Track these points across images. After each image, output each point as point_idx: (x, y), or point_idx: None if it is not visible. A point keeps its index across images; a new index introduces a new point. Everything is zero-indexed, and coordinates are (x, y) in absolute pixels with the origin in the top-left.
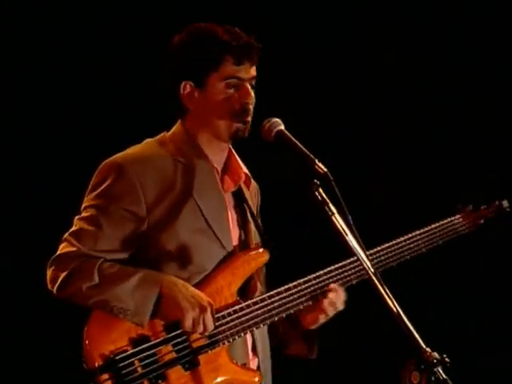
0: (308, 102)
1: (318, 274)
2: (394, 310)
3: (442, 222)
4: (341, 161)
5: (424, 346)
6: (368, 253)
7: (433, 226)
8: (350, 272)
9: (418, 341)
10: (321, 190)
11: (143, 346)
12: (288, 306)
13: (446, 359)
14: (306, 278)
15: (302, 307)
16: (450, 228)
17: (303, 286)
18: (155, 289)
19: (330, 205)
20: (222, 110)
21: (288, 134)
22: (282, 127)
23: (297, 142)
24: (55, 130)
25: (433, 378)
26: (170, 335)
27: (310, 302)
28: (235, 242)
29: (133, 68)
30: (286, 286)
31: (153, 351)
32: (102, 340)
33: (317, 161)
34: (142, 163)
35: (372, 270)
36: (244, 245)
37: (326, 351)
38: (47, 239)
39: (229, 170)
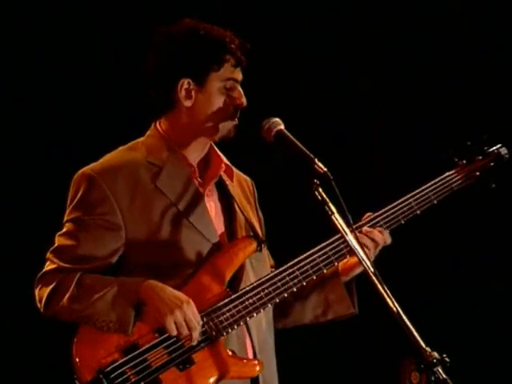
0: (308, 101)
1: (309, 253)
2: (394, 309)
3: (435, 180)
4: (340, 160)
5: (424, 346)
6: (360, 223)
7: (426, 185)
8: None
9: (417, 340)
10: (320, 190)
11: (133, 354)
12: (281, 289)
13: (446, 359)
14: (296, 260)
15: (295, 289)
16: (444, 185)
17: (295, 268)
18: (133, 297)
19: (330, 204)
20: (217, 109)
21: (288, 133)
22: (282, 127)
23: (296, 141)
24: (55, 129)
25: (433, 378)
26: (159, 339)
27: (304, 283)
28: (221, 234)
29: (130, 69)
30: (277, 271)
31: (144, 357)
32: (91, 354)
33: (316, 160)
34: (112, 171)
35: (372, 269)
36: (231, 235)
37: (325, 352)
38: (47, 239)
39: (209, 163)
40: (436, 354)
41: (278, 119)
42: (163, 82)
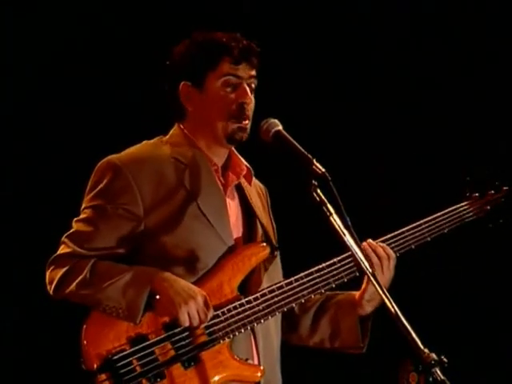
0: (306, 102)
1: (320, 266)
2: (392, 310)
3: (447, 210)
4: (339, 161)
5: (422, 347)
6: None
7: (438, 213)
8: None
9: (416, 341)
10: (319, 191)
11: (141, 345)
12: (289, 299)
13: (444, 360)
14: (308, 271)
15: (303, 300)
16: (455, 215)
17: (305, 279)
18: (146, 286)
19: (328, 205)
20: (218, 109)
21: (286, 134)
22: (280, 127)
23: (295, 142)
24: (55, 130)
25: (431, 379)
26: (168, 333)
27: (312, 295)
28: (238, 237)
29: (136, 69)
30: (288, 280)
31: (151, 350)
32: (100, 340)
33: (315, 161)
34: (138, 163)
35: (370, 270)
36: (248, 239)
37: (324, 353)
38: (47, 239)
39: (230, 165)
40: (434, 355)
41: (276, 120)
42: (169, 91)
